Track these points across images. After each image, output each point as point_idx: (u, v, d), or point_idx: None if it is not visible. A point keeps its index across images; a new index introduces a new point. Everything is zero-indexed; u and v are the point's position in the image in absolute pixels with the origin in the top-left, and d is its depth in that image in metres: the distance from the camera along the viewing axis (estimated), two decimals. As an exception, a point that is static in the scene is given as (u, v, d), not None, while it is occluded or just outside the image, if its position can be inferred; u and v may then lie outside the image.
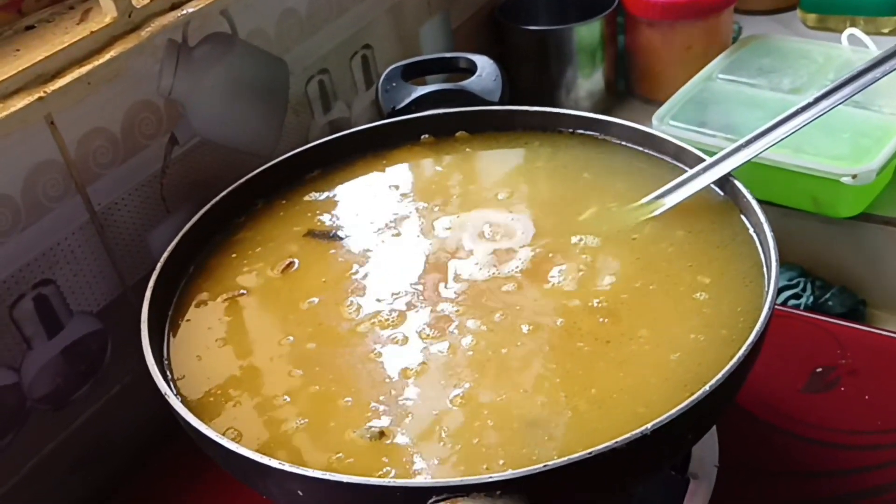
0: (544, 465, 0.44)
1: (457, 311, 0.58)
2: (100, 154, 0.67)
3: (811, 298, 0.98)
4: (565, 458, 0.44)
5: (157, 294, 0.60)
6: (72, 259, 0.67)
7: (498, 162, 0.74)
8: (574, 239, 0.63)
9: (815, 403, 0.71)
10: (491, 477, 0.44)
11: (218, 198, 0.69)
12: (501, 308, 0.58)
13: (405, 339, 0.57)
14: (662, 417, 0.45)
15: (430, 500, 0.44)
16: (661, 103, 1.04)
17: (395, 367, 0.55)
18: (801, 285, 1.00)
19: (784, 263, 1.01)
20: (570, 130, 0.74)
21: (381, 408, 0.53)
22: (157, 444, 0.75)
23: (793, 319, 0.79)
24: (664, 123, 1.00)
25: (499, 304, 0.59)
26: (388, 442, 0.51)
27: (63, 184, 0.65)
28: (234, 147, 0.79)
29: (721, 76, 1.08)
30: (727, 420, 0.69)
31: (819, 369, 0.74)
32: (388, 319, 0.59)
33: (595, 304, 0.57)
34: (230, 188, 0.70)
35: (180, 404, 0.52)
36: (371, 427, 0.52)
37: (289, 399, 0.54)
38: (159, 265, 0.62)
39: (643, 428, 0.45)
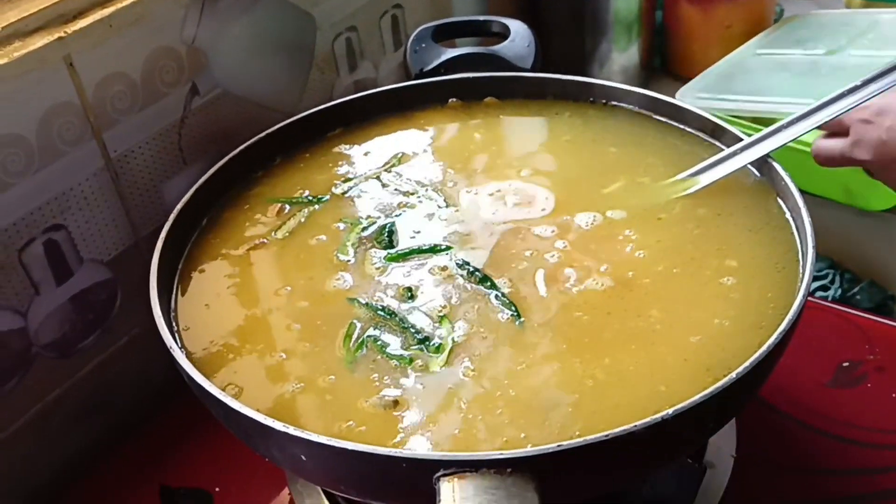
0: (557, 446, 0.42)
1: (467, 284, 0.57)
2: (118, 99, 0.66)
3: (839, 291, 0.95)
4: (579, 440, 0.42)
5: (168, 244, 0.59)
6: (84, 206, 0.66)
7: (526, 130, 0.72)
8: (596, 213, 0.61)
9: (840, 399, 0.69)
10: (502, 454, 0.42)
11: (237, 150, 0.67)
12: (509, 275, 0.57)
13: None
14: (684, 403, 0.43)
15: (438, 474, 0.42)
16: (691, 81, 1.01)
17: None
18: (830, 277, 0.97)
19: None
20: (603, 101, 0.71)
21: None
22: (165, 397, 0.74)
23: (821, 311, 0.77)
24: (690, 97, 0.97)
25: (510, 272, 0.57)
26: (401, 412, 0.49)
27: (79, 127, 0.64)
28: (255, 101, 0.77)
29: (759, 52, 1.05)
30: (747, 410, 0.66)
31: (846, 364, 0.71)
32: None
33: (605, 277, 0.55)
34: (250, 141, 0.68)
35: (184, 358, 0.50)
36: (385, 396, 0.50)
37: (284, 356, 0.53)
38: (173, 215, 0.61)
39: (663, 413, 0.43)
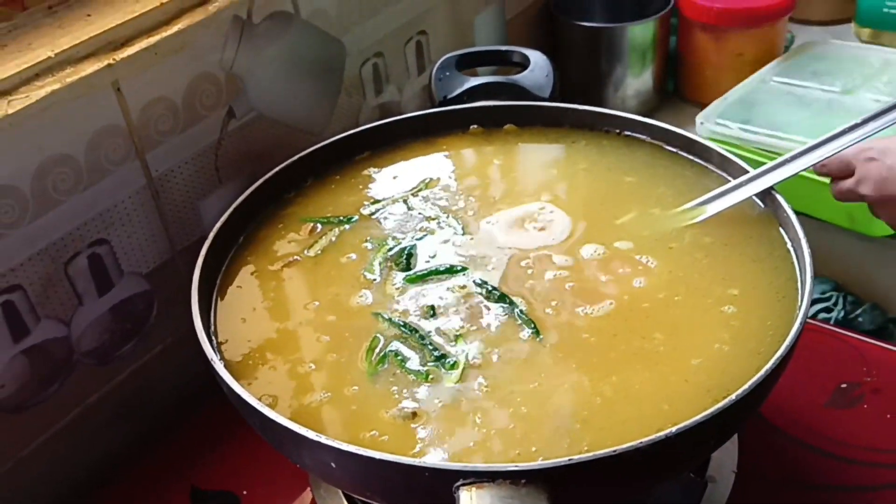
0: (569, 459, 0.46)
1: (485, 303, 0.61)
2: (161, 122, 0.70)
3: (842, 313, 0.99)
4: (590, 454, 0.46)
5: (207, 261, 0.63)
6: (126, 221, 0.70)
7: (543, 158, 0.76)
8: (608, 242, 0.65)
9: (837, 418, 0.72)
10: (517, 466, 0.46)
11: (271, 173, 0.71)
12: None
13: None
14: (688, 422, 0.47)
15: (457, 484, 0.46)
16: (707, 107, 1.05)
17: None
18: (833, 299, 1.00)
19: (817, 276, 1.02)
20: (617, 131, 0.75)
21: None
22: (195, 403, 0.78)
23: (821, 334, 0.80)
24: (710, 122, 1.01)
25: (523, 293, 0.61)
26: (419, 424, 0.53)
27: (124, 148, 0.68)
28: (287, 123, 0.81)
29: (775, 79, 1.09)
30: (748, 428, 0.70)
31: (844, 385, 0.75)
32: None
33: (613, 301, 0.59)
34: (285, 163, 0.72)
35: (224, 369, 0.54)
36: (403, 408, 0.54)
37: (314, 367, 0.57)
38: (212, 233, 0.65)
39: (667, 431, 0.46)
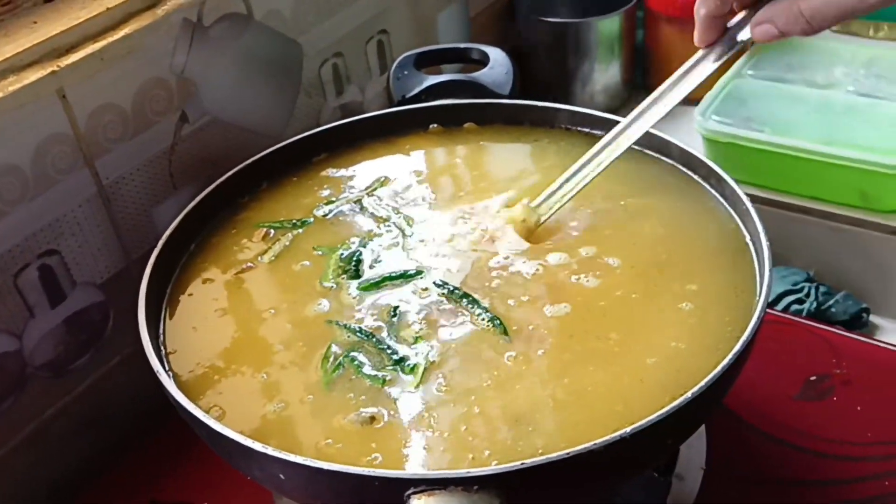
0: (521, 463, 0.44)
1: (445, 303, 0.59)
2: (110, 129, 0.68)
3: (814, 304, 0.98)
4: (542, 458, 0.45)
5: (157, 269, 0.61)
6: (77, 231, 0.68)
7: (504, 156, 0.75)
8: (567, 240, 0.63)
9: (807, 411, 0.72)
10: (469, 472, 0.45)
11: (224, 177, 0.70)
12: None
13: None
14: (643, 421, 0.46)
15: (408, 492, 0.45)
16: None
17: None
18: (806, 290, 0.99)
19: (790, 268, 1.01)
20: (577, 128, 0.74)
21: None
22: (158, 413, 0.76)
23: (791, 326, 0.80)
24: (707, 119, 1.01)
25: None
26: (377, 427, 0.52)
27: (72, 156, 0.66)
28: (244, 126, 0.80)
29: (750, 72, 1.09)
30: (716, 423, 0.69)
31: (813, 377, 0.74)
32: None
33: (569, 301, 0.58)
34: (237, 168, 0.71)
35: (170, 381, 0.53)
36: (362, 413, 0.53)
37: (266, 377, 0.56)
38: (161, 242, 0.63)
39: (622, 431, 0.45)
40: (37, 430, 0.69)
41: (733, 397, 0.72)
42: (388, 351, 0.56)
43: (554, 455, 0.45)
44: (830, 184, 0.97)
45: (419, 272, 0.62)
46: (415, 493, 0.45)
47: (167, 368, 0.55)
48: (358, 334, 0.57)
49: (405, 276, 0.61)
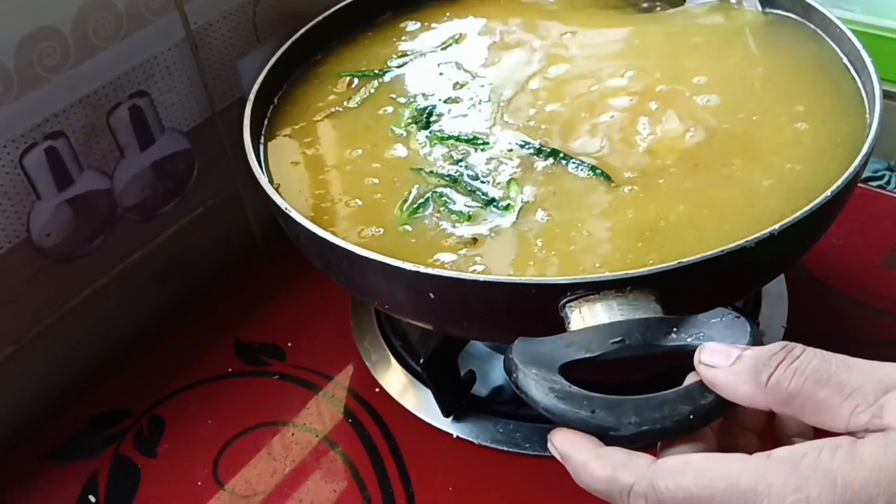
0: (678, 262, 0.44)
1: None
2: (199, -29, 0.68)
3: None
4: (699, 256, 0.44)
5: (254, 107, 0.62)
6: (167, 75, 0.69)
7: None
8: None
9: (891, 278, 0.71)
10: (626, 274, 0.44)
11: (307, 27, 0.70)
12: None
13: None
14: (788, 219, 0.46)
15: (563, 301, 0.44)
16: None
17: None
18: (886, 178, 0.97)
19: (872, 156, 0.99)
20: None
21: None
22: (234, 267, 0.78)
23: (877, 198, 0.79)
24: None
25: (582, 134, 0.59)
26: (479, 249, 0.51)
27: (163, -4, 0.67)
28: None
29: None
30: (798, 285, 0.69)
31: (898, 246, 0.73)
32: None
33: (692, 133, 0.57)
34: (315, 20, 0.71)
35: (293, 210, 0.53)
36: (462, 235, 0.53)
37: (360, 203, 0.56)
38: (256, 84, 0.64)
39: (771, 228, 0.45)
40: (125, 271, 0.71)
41: (816, 263, 0.71)
42: (480, 192, 0.55)
43: (710, 253, 0.44)
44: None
45: (485, 143, 0.60)
46: (570, 298, 0.44)
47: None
48: (447, 178, 0.57)
49: (472, 142, 0.60)
